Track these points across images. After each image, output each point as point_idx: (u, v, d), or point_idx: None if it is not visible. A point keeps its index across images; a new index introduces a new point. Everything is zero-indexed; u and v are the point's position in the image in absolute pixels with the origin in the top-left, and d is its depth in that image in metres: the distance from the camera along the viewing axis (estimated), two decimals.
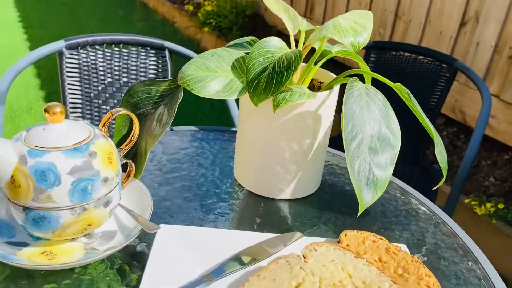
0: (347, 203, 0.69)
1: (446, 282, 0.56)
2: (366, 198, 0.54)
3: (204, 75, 0.60)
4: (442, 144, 0.63)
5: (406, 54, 1.74)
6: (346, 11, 2.89)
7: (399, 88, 0.61)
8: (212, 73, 0.60)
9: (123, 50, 1.42)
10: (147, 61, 1.44)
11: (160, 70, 1.44)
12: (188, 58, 1.41)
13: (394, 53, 1.76)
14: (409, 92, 0.60)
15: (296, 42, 0.67)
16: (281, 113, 0.61)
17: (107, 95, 1.42)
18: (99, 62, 1.41)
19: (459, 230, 0.66)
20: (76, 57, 1.37)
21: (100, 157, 0.51)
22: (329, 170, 0.77)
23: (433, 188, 0.70)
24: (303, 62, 0.70)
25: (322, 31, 0.57)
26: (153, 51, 1.44)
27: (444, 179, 0.63)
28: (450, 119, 2.37)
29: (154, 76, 1.45)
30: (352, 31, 0.56)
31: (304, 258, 0.51)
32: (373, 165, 0.55)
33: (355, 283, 0.47)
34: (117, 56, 1.43)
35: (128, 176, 0.61)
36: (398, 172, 1.58)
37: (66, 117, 1.37)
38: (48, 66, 2.98)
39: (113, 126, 1.12)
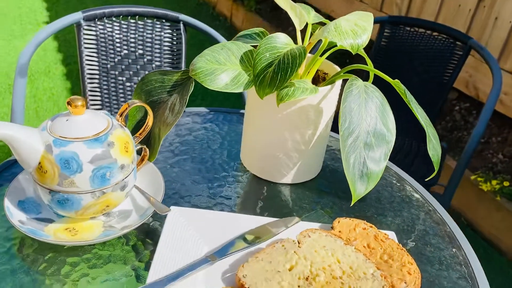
0: (345, 189, 0.74)
1: (429, 267, 0.62)
2: (359, 189, 0.59)
3: (214, 68, 0.64)
4: (437, 138, 0.67)
5: (421, 30, 1.74)
6: None
7: (397, 85, 0.64)
8: (222, 66, 0.64)
9: (139, 22, 1.45)
10: (162, 33, 1.48)
11: (175, 42, 1.48)
12: (202, 31, 1.44)
13: (408, 28, 1.75)
14: (406, 89, 0.64)
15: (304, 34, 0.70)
16: (284, 106, 0.66)
17: (123, 67, 1.47)
18: (116, 33, 1.44)
19: (448, 218, 0.71)
20: (94, 28, 1.41)
21: (117, 146, 0.56)
22: (330, 155, 0.82)
23: (426, 180, 0.74)
24: (309, 53, 0.73)
25: (324, 33, 0.60)
26: (168, 24, 1.47)
27: (435, 172, 0.67)
28: (463, 94, 2.37)
29: (168, 48, 1.48)
30: (352, 33, 0.59)
31: (299, 243, 0.56)
32: (367, 159, 0.60)
33: (342, 267, 0.53)
34: (133, 28, 1.46)
35: (142, 160, 0.67)
36: (403, 152, 1.62)
37: (84, 88, 1.42)
38: (65, 30, 3.02)
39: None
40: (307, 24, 0.71)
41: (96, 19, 1.40)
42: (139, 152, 0.67)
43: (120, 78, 1.47)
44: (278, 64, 0.62)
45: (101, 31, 1.42)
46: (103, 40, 1.43)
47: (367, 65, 0.70)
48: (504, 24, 2.07)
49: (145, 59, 1.48)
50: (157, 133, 0.68)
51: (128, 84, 1.49)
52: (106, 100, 1.47)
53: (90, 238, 0.57)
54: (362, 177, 0.59)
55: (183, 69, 1.50)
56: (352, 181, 0.59)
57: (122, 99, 1.47)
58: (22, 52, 1.25)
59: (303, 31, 0.70)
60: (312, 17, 0.74)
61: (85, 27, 1.39)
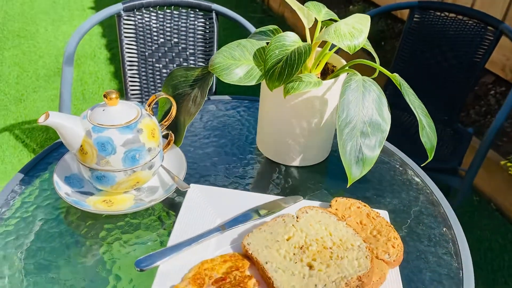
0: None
1: (419, 243, 0.69)
2: (355, 173, 0.67)
3: (230, 63, 0.73)
4: (432, 128, 0.73)
5: (451, 15, 1.74)
6: None
7: (394, 78, 0.71)
8: (236, 62, 0.73)
9: (174, 11, 1.55)
10: (196, 22, 1.57)
11: (207, 31, 1.57)
12: (233, 20, 1.52)
13: (439, 13, 1.76)
14: (402, 83, 0.70)
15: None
16: (292, 97, 0.74)
17: (160, 54, 1.57)
18: (153, 23, 1.55)
19: (443, 200, 0.78)
20: (133, 18, 1.52)
21: (145, 132, 0.66)
22: None
23: (421, 165, 0.80)
24: (319, 46, 0.80)
25: (324, 35, 0.67)
26: (201, 13, 1.56)
27: (430, 159, 0.73)
28: (500, 78, 2.34)
29: (201, 37, 1.57)
30: (350, 35, 0.66)
31: (297, 218, 0.65)
32: (363, 146, 0.67)
33: (333, 239, 0.61)
34: (169, 17, 1.56)
35: (168, 143, 0.77)
36: None
37: (124, 74, 1.55)
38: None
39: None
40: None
41: (135, 10, 1.52)
42: (166, 136, 0.77)
43: (157, 65, 1.58)
44: (286, 60, 0.70)
45: (140, 20, 1.53)
46: (141, 29, 1.54)
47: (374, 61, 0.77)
48: None
49: (180, 47, 1.58)
50: (182, 122, 0.78)
51: (164, 70, 1.60)
52: (144, 85, 1.58)
53: (123, 208, 0.68)
54: (357, 162, 0.67)
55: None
56: (348, 166, 0.66)
57: (159, 85, 1.58)
58: (68, 42, 1.38)
59: (313, 29, 0.78)
60: (323, 14, 0.81)
61: (125, 17, 1.51)
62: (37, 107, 2.32)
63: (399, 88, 0.71)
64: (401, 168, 0.84)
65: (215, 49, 1.58)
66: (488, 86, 2.42)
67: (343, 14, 3.22)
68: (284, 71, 0.70)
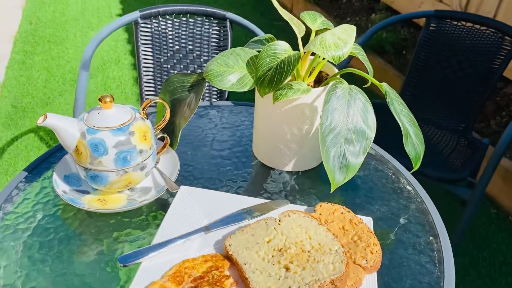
0: None
1: (403, 251, 0.69)
2: (338, 179, 0.68)
3: (223, 70, 0.75)
4: (419, 137, 0.74)
5: (468, 24, 1.73)
6: None
7: (381, 87, 0.72)
8: (230, 69, 0.76)
9: (190, 19, 1.60)
10: (210, 30, 1.61)
11: (221, 39, 1.60)
12: (246, 29, 1.55)
13: (455, 23, 1.75)
14: (388, 91, 0.71)
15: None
16: (282, 104, 0.76)
17: (175, 61, 1.62)
18: (169, 30, 1.60)
19: (433, 209, 0.78)
20: (149, 26, 1.57)
21: (137, 135, 0.69)
22: None
23: (410, 172, 0.80)
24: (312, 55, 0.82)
25: (310, 46, 0.69)
26: (216, 21, 1.59)
27: (415, 168, 0.74)
28: None
29: (215, 44, 1.61)
30: (334, 46, 0.67)
31: (279, 221, 0.66)
32: (347, 153, 0.68)
33: (312, 243, 0.63)
34: (184, 25, 1.60)
35: (164, 146, 0.80)
36: (443, 143, 1.64)
37: (140, 79, 1.59)
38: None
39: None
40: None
41: (152, 17, 1.57)
42: (162, 139, 0.80)
43: (171, 71, 1.62)
44: (276, 68, 0.72)
45: (156, 28, 1.58)
46: (157, 36, 1.59)
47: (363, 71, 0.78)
48: None
49: (194, 54, 1.62)
50: (178, 125, 0.81)
51: None
52: (159, 90, 1.63)
53: (115, 207, 0.71)
54: (341, 168, 0.68)
55: None
56: (331, 171, 0.68)
57: None
58: (85, 49, 1.44)
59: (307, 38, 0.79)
60: (318, 24, 0.82)
61: (142, 25, 1.56)
62: (62, 110, 2.41)
63: (385, 95, 0.72)
64: (393, 176, 0.85)
65: None
66: (510, 96, 2.37)
67: (364, 22, 3.22)
68: (273, 78, 0.72)
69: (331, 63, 0.83)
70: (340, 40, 0.68)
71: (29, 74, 2.74)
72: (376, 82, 0.74)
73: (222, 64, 0.76)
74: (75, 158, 0.70)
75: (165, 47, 1.60)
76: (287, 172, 0.84)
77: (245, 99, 1.12)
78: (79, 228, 0.70)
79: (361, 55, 0.81)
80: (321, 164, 0.86)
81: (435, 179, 1.46)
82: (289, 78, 0.80)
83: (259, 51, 0.77)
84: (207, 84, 1.48)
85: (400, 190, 0.82)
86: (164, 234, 0.66)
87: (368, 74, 0.78)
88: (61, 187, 0.73)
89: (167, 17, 1.59)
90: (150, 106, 0.89)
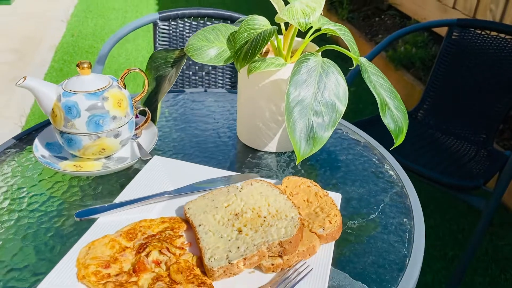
0: (321, 160, 0.81)
1: (372, 230, 0.67)
2: (304, 150, 0.67)
3: (203, 44, 0.76)
4: (401, 109, 0.72)
5: (492, 33, 1.67)
6: None
7: (356, 59, 0.71)
8: (210, 44, 0.77)
9: (207, 22, 1.63)
10: None
11: None
12: None
13: (479, 31, 1.70)
14: (363, 63, 0.70)
15: None
16: (259, 79, 0.76)
17: (190, 62, 1.65)
18: (186, 32, 1.64)
19: (412, 193, 0.74)
20: (167, 27, 1.62)
21: (111, 101, 0.71)
22: None
23: (390, 149, 0.77)
24: (299, 37, 0.82)
25: (279, 13, 0.69)
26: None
27: (396, 143, 0.71)
28: None
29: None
30: (302, 12, 0.67)
31: (241, 188, 0.66)
32: (315, 125, 0.67)
33: (269, 210, 0.61)
34: (202, 27, 1.64)
35: (146, 121, 0.81)
36: (461, 152, 1.57)
37: None
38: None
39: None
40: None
41: (170, 20, 1.62)
42: (144, 114, 0.82)
43: (187, 72, 1.66)
44: (252, 42, 0.73)
45: (174, 29, 1.63)
46: (175, 37, 1.63)
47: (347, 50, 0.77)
48: None
49: (210, 69, 1.65)
50: (159, 101, 0.82)
51: (193, 77, 1.67)
52: (173, 86, 1.66)
53: (86, 174, 0.73)
54: (308, 140, 0.67)
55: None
56: (297, 143, 0.66)
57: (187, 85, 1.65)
58: (103, 45, 1.50)
59: None
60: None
61: (161, 26, 1.61)
62: None
63: (360, 68, 0.70)
64: (377, 162, 0.82)
65: None
66: None
67: (377, 26, 3.18)
68: (248, 51, 0.72)
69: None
70: (308, 8, 0.68)
71: None
72: (353, 56, 0.72)
73: (202, 39, 0.77)
74: (52, 121, 0.72)
75: (182, 47, 1.64)
76: (268, 153, 0.83)
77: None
78: (51, 189, 0.71)
79: (346, 35, 0.80)
80: None
81: (449, 186, 1.40)
82: (271, 55, 0.80)
83: None
84: (221, 72, 1.48)
85: (382, 175, 0.79)
86: (127, 195, 0.66)
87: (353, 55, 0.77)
88: (40, 151, 0.75)
89: (185, 19, 1.64)
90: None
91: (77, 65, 0.72)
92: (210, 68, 1.65)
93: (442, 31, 2.61)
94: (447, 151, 1.60)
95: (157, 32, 1.61)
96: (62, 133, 0.71)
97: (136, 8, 4.21)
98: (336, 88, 0.68)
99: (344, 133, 0.91)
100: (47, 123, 0.88)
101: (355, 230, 0.66)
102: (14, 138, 0.83)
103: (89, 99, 0.70)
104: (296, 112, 0.66)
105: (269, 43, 0.82)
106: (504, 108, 1.63)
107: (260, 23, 0.75)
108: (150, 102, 0.84)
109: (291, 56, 0.80)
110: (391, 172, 0.80)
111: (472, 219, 1.86)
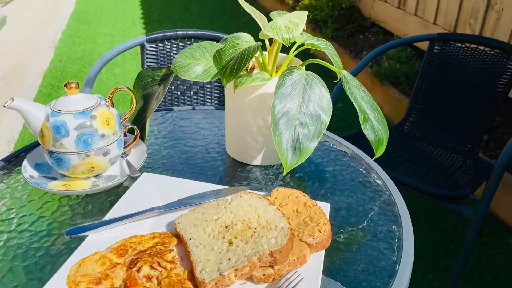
0: (309, 171, 0.82)
1: (362, 238, 0.67)
2: (291, 161, 0.68)
3: (189, 62, 0.78)
4: (383, 123, 0.73)
5: (472, 46, 1.72)
6: (438, 4, 2.81)
7: (337, 71, 0.72)
8: (196, 61, 0.78)
9: (194, 43, 1.65)
10: None
11: None
12: None
13: (459, 44, 1.74)
14: (344, 75, 0.71)
15: None
16: (245, 93, 0.77)
17: (178, 82, 1.67)
18: (173, 53, 1.65)
19: (400, 201, 0.75)
20: (155, 49, 1.63)
21: (99, 119, 0.72)
22: None
23: (373, 159, 0.78)
24: (283, 53, 0.84)
25: (263, 30, 0.71)
26: None
27: (376, 155, 0.73)
28: None
29: (218, 80, 1.66)
30: (286, 28, 0.69)
31: (231, 201, 0.66)
32: (301, 136, 0.68)
33: (259, 221, 0.62)
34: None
35: (134, 138, 0.82)
36: (448, 162, 1.59)
37: None
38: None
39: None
40: None
41: (158, 41, 1.63)
42: (132, 132, 0.82)
43: (175, 92, 1.67)
44: (237, 57, 0.74)
45: (161, 51, 1.64)
46: (162, 59, 1.65)
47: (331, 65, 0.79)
48: None
49: (197, 88, 1.67)
50: (147, 118, 0.83)
51: (182, 97, 1.69)
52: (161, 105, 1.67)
53: (75, 193, 0.73)
54: (294, 151, 0.68)
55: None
56: (284, 153, 0.67)
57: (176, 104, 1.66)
58: (92, 67, 1.51)
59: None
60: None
61: (148, 48, 1.63)
62: None
63: (341, 80, 0.72)
64: (364, 172, 0.83)
65: None
66: None
67: (361, 43, 3.25)
68: (234, 67, 0.74)
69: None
70: (291, 23, 0.70)
71: None
72: (335, 69, 0.74)
73: (189, 56, 0.78)
74: (40, 141, 0.72)
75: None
76: (257, 166, 0.84)
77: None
78: (40, 210, 0.71)
79: (329, 50, 0.82)
80: None
81: (437, 196, 1.42)
82: (256, 70, 0.82)
83: None
84: (209, 90, 1.49)
85: (369, 184, 0.80)
86: (116, 212, 0.67)
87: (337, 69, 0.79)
88: (29, 172, 0.75)
89: (172, 41, 1.66)
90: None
91: (65, 85, 0.72)
92: (198, 87, 1.66)
93: (425, 46, 2.67)
94: (434, 161, 1.62)
95: (145, 54, 1.63)
96: (51, 152, 0.72)
97: (124, 33, 4.25)
98: (320, 100, 0.70)
99: (331, 145, 0.92)
100: (35, 144, 0.88)
101: (345, 239, 0.67)
102: (2, 160, 0.83)
103: (77, 118, 0.70)
104: (282, 124, 0.67)
105: (254, 59, 0.83)
106: (487, 118, 1.66)
107: (245, 39, 0.77)
108: (138, 120, 0.84)
109: (276, 71, 0.82)
110: (379, 181, 0.81)
111: (462, 229, 1.87)
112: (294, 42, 0.82)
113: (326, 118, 0.69)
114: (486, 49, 1.69)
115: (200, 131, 0.96)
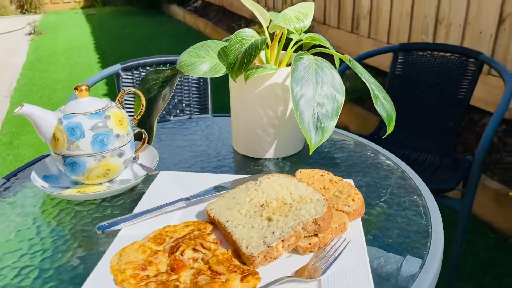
0: (319, 160, 0.83)
1: (388, 209, 0.69)
2: (315, 140, 0.69)
3: (195, 60, 0.79)
4: (388, 100, 0.76)
5: (434, 52, 1.82)
6: (390, 23, 2.99)
7: (344, 58, 0.75)
8: (201, 59, 0.79)
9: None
10: (190, 76, 1.67)
11: (201, 83, 1.67)
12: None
13: (421, 53, 1.85)
14: (352, 59, 0.74)
15: None
16: (254, 85, 0.78)
17: None
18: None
19: (415, 176, 0.78)
20: (130, 77, 1.63)
21: (113, 119, 0.71)
22: None
23: (383, 137, 0.81)
24: (283, 50, 0.87)
25: (274, 21, 0.74)
26: None
27: (389, 130, 0.75)
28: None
29: (196, 89, 1.67)
30: (296, 19, 0.72)
31: (259, 183, 0.66)
32: (320, 116, 0.70)
33: (293, 197, 0.62)
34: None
35: (143, 142, 0.81)
36: (427, 163, 1.65)
37: None
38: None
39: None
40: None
41: (133, 69, 1.63)
42: (139, 138, 0.81)
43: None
44: (245, 51, 0.76)
45: (137, 78, 1.64)
46: (138, 85, 1.64)
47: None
48: None
49: (176, 100, 1.67)
50: (154, 121, 0.82)
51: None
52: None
53: (92, 196, 0.70)
54: (317, 130, 0.69)
55: (209, 108, 1.68)
56: (308, 133, 0.69)
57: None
58: (67, 99, 1.48)
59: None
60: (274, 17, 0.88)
61: (123, 76, 1.62)
62: None
63: (349, 63, 0.75)
64: (372, 155, 0.86)
65: (209, 100, 1.67)
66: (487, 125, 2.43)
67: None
68: (243, 60, 0.75)
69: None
70: (300, 13, 0.73)
71: (15, 152, 2.76)
72: (339, 54, 0.77)
73: (194, 55, 0.79)
74: (52, 147, 0.70)
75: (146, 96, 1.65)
76: (268, 159, 0.84)
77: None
78: (57, 217, 0.68)
79: (327, 42, 0.85)
80: (302, 150, 0.87)
81: None
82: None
83: None
84: (188, 99, 1.48)
85: (380, 165, 0.82)
86: (143, 206, 0.65)
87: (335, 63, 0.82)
88: (39, 182, 0.72)
89: (147, 68, 1.66)
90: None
91: (75, 88, 0.71)
92: (176, 101, 1.66)
93: (383, 65, 2.80)
94: (414, 163, 1.68)
95: (120, 82, 1.62)
96: (65, 157, 0.69)
97: (82, 78, 4.19)
98: (332, 81, 0.72)
99: (334, 136, 0.94)
100: (32, 163, 0.85)
101: (372, 212, 0.68)
102: (4, 178, 0.79)
103: (92, 119, 0.69)
104: (302, 104, 0.69)
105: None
106: (457, 119, 1.75)
107: (249, 34, 0.79)
108: (144, 124, 0.83)
109: (279, 66, 0.84)
110: (388, 162, 0.83)
111: (451, 232, 1.92)
112: (291, 39, 0.86)
113: (341, 98, 0.71)
114: (447, 54, 1.80)
115: (204, 135, 0.96)
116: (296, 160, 0.84)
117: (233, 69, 0.76)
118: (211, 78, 1.65)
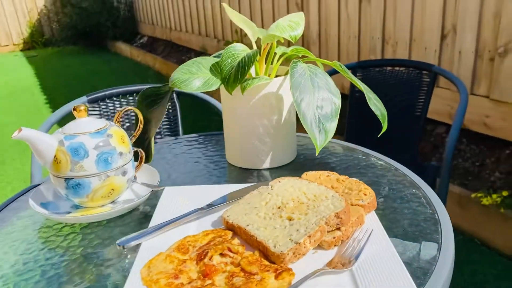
0: (314, 166, 0.85)
1: (392, 203, 0.71)
2: (320, 140, 0.71)
3: (188, 76, 0.80)
4: (379, 101, 0.80)
5: (389, 68, 1.93)
6: (339, 46, 3.13)
7: (335, 65, 0.79)
8: (194, 75, 0.80)
9: (136, 98, 1.65)
10: None
11: (171, 110, 1.66)
12: (192, 96, 1.63)
13: (378, 69, 1.95)
14: (341, 64, 0.78)
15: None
16: (249, 97, 0.80)
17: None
18: (117, 110, 1.63)
19: (409, 173, 0.81)
20: (97, 108, 1.60)
21: (115, 137, 0.70)
22: (304, 147, 0.95)
23: (381, 133, 0.85)
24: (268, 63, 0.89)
25: (269, 31, 0.76)
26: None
27: (384, 128, 0.79)
28: (449, 126, 2.50)
29: (166, 115, 1.66)
30: (289, 27, 0.75)
31: (271, 187, 0.67)
32: (321, 118, 0.72)
33: (308, 196, 0.64)
34: (132, 103, 1.65)
35: (140, 161, 0.80)
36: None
37: None
38: None
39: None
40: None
41: (99, 101, 1.61)
42: (136, 158, 0.80)
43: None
44: (238, 64, 0.78)
45: (104, 109, 1.61)
46: (106, 117, 1.61)
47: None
48: (468, 55, 2.26)
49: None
50: (151, 137, 0.82)
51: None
52: None
53: (99, 217, 0.68)
54: (320, 132, 0.71)
55: (180, 131, 1.67)
56: (312, 134, 0.71)
57: None
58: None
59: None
60: (264, 32, 0.91)
61: (90, 108, 1.59)
62: None
63: (339, 70, 0.79)
64: (364, 157, 0.89)
65: (179, 124, 1.66)
66: (442, 135, 2.58)
67: None
68: (237, 73, 0.77)
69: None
70: (292, 22, 0.76)
71: None
72: (328, 62, 0.81)
73: (186, 72, 0.80)
74: (53, 170, 0.68)
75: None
76: (264, 170, 0.85)
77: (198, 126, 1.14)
78: (66, 241, 0.65)
79: (311, 54, 0.89)
80: (296, 159, 0.89)
81: None
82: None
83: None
84: (161, 123, 1.46)
85: (374, 165, 0.85)
86: (157, 221, 0.64)
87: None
88: (38, 209, 0.69)
89: (114, 98, 1.64)
90: None
91: (74, 109, 0.70)
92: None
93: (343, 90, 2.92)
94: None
95: (88, 115, 1.59)
96: (68, 179, 0.67)
97: (31, 120, 4.04)
98: (327, 85, 0.75)
99: None
100: (21, 194, 0.81)
101: (378, 207, 0.70)
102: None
103: (94, 138, 0.68)
104: (303, 107, 0.71)
105: None
106: (418, 127, 1.85)
107: (240, 48, 0.81)
108: (141, 142, 0.83)
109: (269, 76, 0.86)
110: (381, 162, 0.87)
111: None
112: (275, 54, 0.89)
113: (337, 100, 0.75)
114: (401, 69, 1.91)
115: (194, 153, 0.96)
116: (292, 168, 0.86)
117: (229, 82, 0.78)
118: (180, 103, 1.66)
